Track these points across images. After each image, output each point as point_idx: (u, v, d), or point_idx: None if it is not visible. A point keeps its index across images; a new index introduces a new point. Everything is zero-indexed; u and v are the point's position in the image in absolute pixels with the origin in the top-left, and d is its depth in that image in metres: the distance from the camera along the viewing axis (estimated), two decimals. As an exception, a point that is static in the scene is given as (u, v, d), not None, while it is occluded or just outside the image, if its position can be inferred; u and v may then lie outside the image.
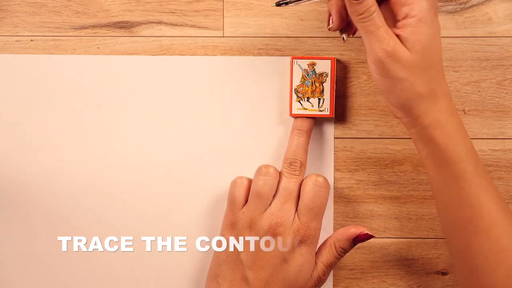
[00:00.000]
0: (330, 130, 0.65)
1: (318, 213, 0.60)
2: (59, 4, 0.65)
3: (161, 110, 0.65)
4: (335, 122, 0.64)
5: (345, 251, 0.61)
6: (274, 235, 0.59)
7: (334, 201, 0.65)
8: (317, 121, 0.64)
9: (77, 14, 0.65)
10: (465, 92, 0.64)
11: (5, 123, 0.64)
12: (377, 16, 0.54)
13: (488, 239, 0.55)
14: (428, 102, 0.55)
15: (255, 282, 0.59)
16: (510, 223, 0.56)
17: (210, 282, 0.61)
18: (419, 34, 0.54)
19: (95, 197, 0.65)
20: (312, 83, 0.63)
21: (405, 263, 0.65)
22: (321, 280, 0.60)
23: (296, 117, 0.63)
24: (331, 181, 0.64)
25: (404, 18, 0.54)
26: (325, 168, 0.65)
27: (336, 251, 0.60)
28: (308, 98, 0.63)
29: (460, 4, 0.64)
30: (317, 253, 0.61)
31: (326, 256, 0.61)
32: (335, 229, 0.64)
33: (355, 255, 0.65)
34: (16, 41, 0.65)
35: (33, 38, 0.65)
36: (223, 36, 0.65)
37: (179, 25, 0.65)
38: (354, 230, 0.60)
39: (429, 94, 0.55)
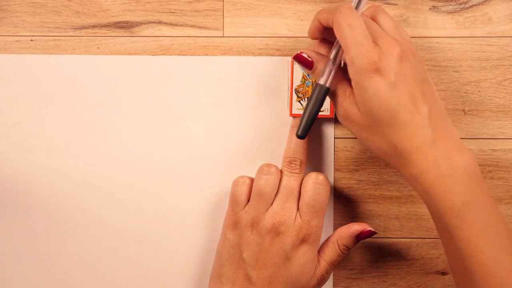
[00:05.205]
0: (330, 130, 0.64)
1: (319, 211, 0.60)
2: (59, 4, 0.65)
3: (161, 110, 0.65)
4: (335, 122, 0.64)
5: (348, 248, 0.61)
6: (277, 233, 0.59)
7: (334, 201, 0.65)
8: (317, 121, 0.64)
9: (77, 14, 0.65)
10: (465, 92, 0.64)
11: (5, 123, 0.64)
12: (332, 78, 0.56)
13: None
14: (398, 159, 0.54)
15: (259, 281, 0.59)
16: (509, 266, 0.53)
17: (214, 283, 0.61)
18: (361, 96, 0.54)
19: (95, 197, 0.64)
20: (313, 83, 0.63)
21: (405, 263, 0.65)
22: (323, 278, 0.60)
23: (296, 117, 0.63)
24: (331, 181, 0.64)
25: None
26: (325, 168, 0.65)
27: (339, 249, 0.60)
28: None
29: (460, 4, 0.64)
30: (319, 251, 0.61)
31: (329, 254, 0.61)
32: (335, 229, 0.64)
33: (355, 255, 0.65)
34: (16, 41, 0.65)
35: (33, 38, 0.65)
36: (223, 36, 0.65)
37: (179, 25, 0.65)
38: (357, 227, 0.60)
39: (394, 152, 0.54)
